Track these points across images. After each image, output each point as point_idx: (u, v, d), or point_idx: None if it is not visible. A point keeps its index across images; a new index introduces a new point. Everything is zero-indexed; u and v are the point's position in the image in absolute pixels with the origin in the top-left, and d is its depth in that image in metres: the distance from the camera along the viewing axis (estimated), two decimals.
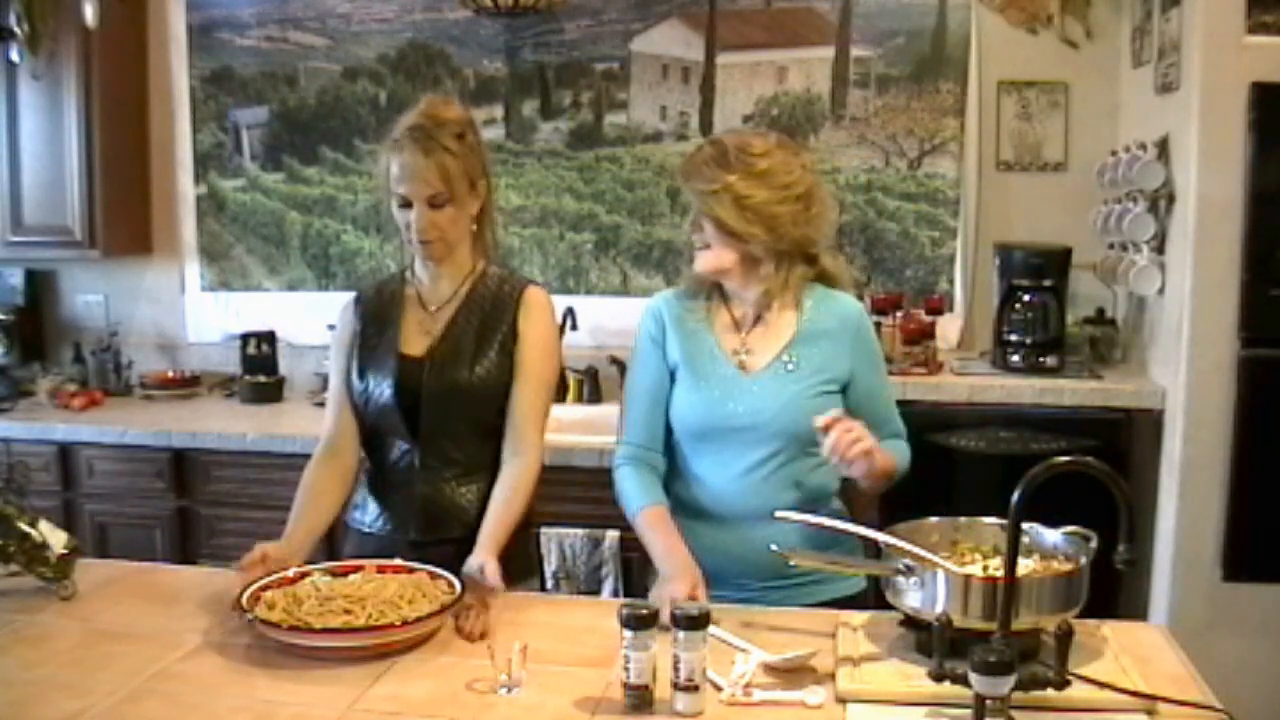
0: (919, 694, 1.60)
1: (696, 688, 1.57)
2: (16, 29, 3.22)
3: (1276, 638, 3.01)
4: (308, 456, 2.20)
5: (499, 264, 2.26)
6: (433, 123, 2.07)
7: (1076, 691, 1.57)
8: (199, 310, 4.27)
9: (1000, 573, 1.63)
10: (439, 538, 2.10)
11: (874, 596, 2.01)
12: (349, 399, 2.19)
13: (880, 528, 1.83)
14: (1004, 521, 1.63)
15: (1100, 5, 3.62)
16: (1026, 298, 3.41)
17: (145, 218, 4.21)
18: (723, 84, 3.83)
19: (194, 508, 3.53)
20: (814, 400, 2.07)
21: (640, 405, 2.17)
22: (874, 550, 1.89)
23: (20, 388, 3.93)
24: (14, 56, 3.38)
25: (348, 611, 1.77)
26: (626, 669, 1.58)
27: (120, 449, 3.55)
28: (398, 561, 1.97)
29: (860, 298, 2.38)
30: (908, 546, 1.72)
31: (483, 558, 1.93)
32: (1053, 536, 1.82)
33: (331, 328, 2.44)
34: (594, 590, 3.18)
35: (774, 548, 1.86)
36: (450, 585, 1.87)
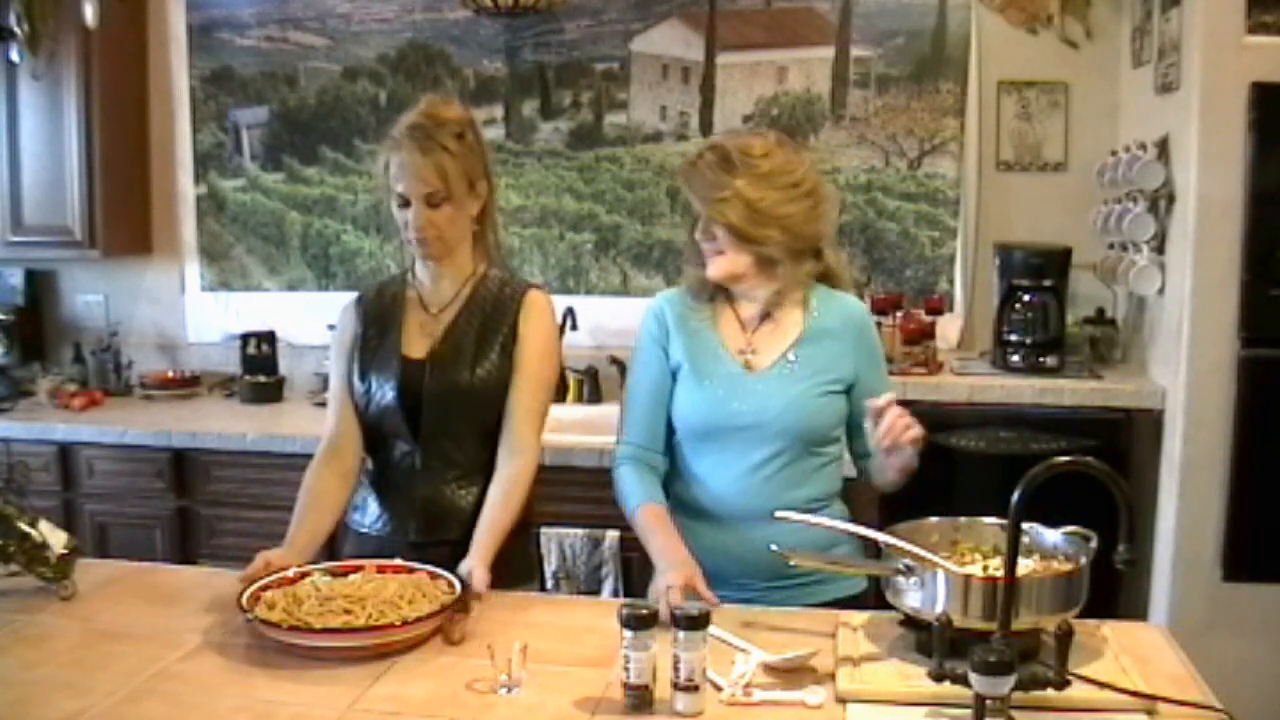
0: (919, 694, 1.60)
1: (696, 688, 1.57)
2: (16, 29, 3.22)
3: (1276, 638, 3.01)
4: (308, 456, 2.20)
5: (502, 267, 2.26)
6: (432, 122, 2.08)
7: (1076, 691, 1.57)
8: (199, 310, 4.27)
9: (1000, 573, 1.62)
10: (438, 539, 2.09)
11: (875, 597, 2.01)
12: (350, 400, 2.19)
13: (880, 528, 1.83)
14: (1004, 521, 1.63)
15: (1100, 5, 3.62)
16: (1026, 298, 3.41)
17: (145, 218, 4.22)
18: (723, 84, 3.83)
19: (194, 508, 3.53)
20: (818, 400, 2.07)
21: (641, 405, 2.17)
22: (874, 550, 1.89)
23: (20, 388, 3.93)
24: (14, 56, 3.38)
25: (348, 611, 1.77)
26: (626, 669, 1.58)
27: (120, 449, 3.55)
28: (398, 561, 1.97)
29: (860, 297, 2.38)
30: (908, 546, 1.72)
31: (472, 562, 1.94)
32: (1053, 536, 1.82)
33: (331, 328, 2.44)
34: (594, 590, 3.18)
35: (774, 548, 1.86)
36: (450, 585, 1.87)
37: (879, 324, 3.18)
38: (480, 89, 3.97)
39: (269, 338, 3.98)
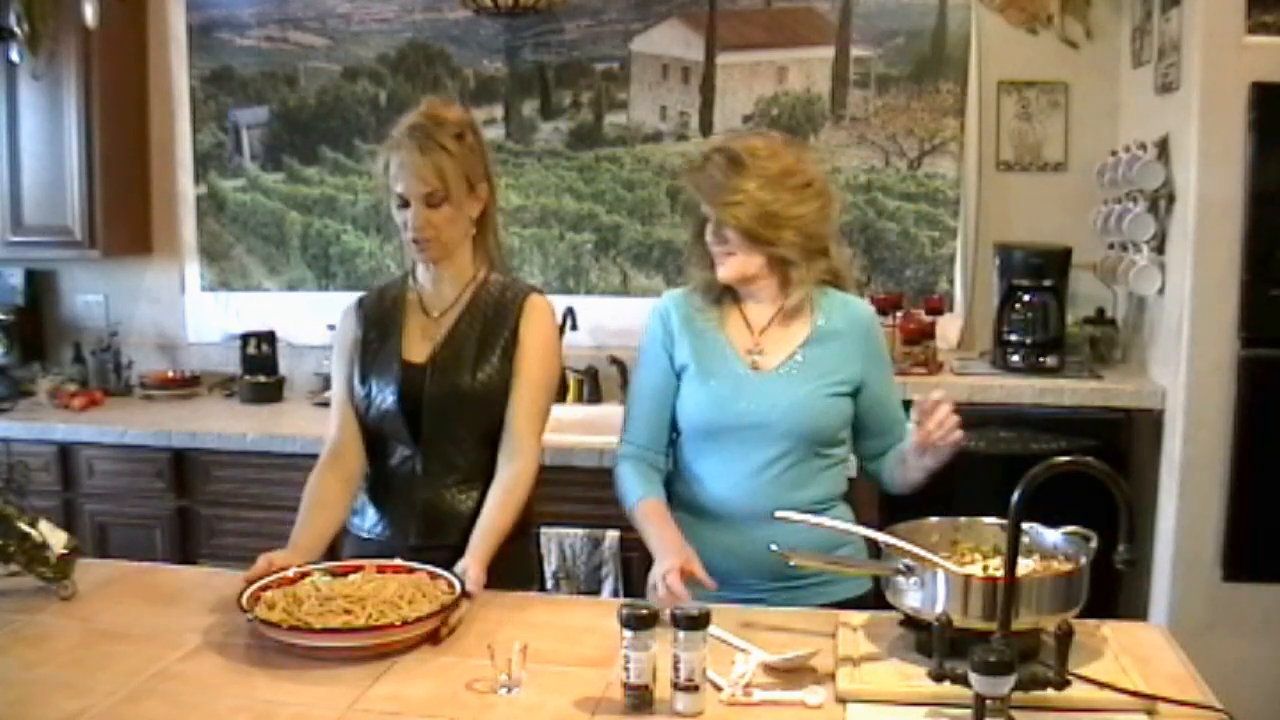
0: (919, 694, 1.60)
1: (696, 688, 1.57)
2: (16, 29, 3.22)
3: (1276, 638, 3.01)
4: (308, 456, 2.20)
5: (503, 271, 2.26)
6: (432, 122, 2.08)
7: (1076, 691, 1.57)
8: (199, 310, 4.27)
9: (1000, 573, 1.63)
10: (438, 543, 2.09)
11: (876, 597, 2.01)
12: (352, 405, 2.19)
13: (880, 528, 1.83)
14: (1004, 521, 1.63)
15: (1100, 5, 3.62)
16: (1026, 298, 3.41)
17: (145, 218, 4.22)
18: (723, 84, 3.83)
19: (194, 508, 3.53)
20: (825, 401, 2.07)
21: (643, 406, 2.18)
22: (876, 550, 1.89)
23: (20, 388, 3.93)
24: (14, 56, 3.38)
25: (348, 611, 1.77)
26: (626, 669, 1.58)
27: (120, 449, 3.55)
28: (398, 561, 1.97)
29: (859, 296, 2.38)
30: (908, 546, 1.72)
31: (468, 561, 1.94)
32: (1053, 536, 1.82)
33: (331, 328, 2.44)
34: (594, 590, 3.18)
35: (773, 548, 1.86)
36: (450, 585, 1.87)
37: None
38: (480, 89, 3.97)
39: (269, 338, 3.98)
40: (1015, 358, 3.40)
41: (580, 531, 3.19)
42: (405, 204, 2.08)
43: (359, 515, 2.22)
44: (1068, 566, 1.73)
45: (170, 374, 4.11)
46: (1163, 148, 3.16)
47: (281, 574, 1.91)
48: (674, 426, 2.17)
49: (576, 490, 3.10)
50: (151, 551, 3.46)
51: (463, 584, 1.87)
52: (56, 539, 1.99)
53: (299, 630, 1.73)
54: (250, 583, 1.88)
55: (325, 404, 2.26)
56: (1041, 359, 3.38)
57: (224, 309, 4.24)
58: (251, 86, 4.14)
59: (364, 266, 4.10)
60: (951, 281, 3.76)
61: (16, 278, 4.25)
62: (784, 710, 1.59)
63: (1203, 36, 2.91)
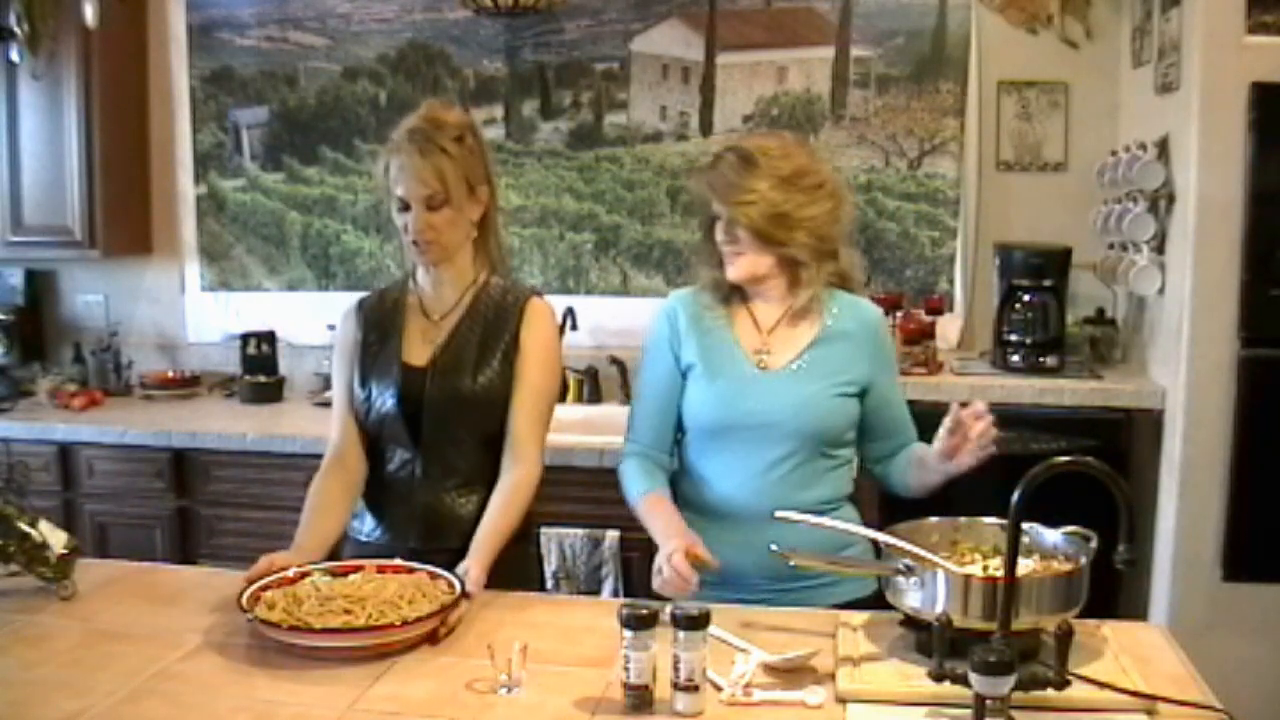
0: (919, 694, 1.60)
1: (696, 688, 1.57)
2: (16, 29, 3.22)
3: (1276, 638, 3.01)
4: (308, 456, 2.21)
5: (504, 274, 2.25)
6: (432, 125, 2.08)
7: (1076, 691, 1.57)
8: (199, 310, 4.27)
9: (1000, 573, 1.63)
10: (438, 547, 2.08)
11: (881, 598, 2.01)
12: (352, 408, 2.19)
13: (880, 528, 1.83)
14: (1004, 521, 1.63)
15: (1100, 5, 3.62)
16: (1026, 298, 3.41)
17: (145, 218, 4.22)
18: (723, 84, 3.83)
19: (194, 508, 3.53)
20: (832, 401, 2.07)
21: (648, 406, 2.17)
22: (878, 551, 1.89)
23: (20, 388, 3.93)
24: (14, 56, 3.38)
25: (348, 611, 1.77)
26: (626, 669, 1.58)
27: (120, 449, 3.55)
28: (398, 562, 1.97)
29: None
30: (908, 546, 1.72)
31: (469, 563, 1.94)
32: (1053, 536, 1.82)
33: (331, 328, 2.43)
34: (594, 590, 3.18)
35: (774, 548, 1.86)
36: (450, 585, 1.87)
37: None
38: (480, 89, 3.97)
39: (269, 338, 3.98)
40: (1015, 358, 3.40)
41: (580, 531, 3.19)
42: (406, 207, 2.08)
43: (359, 519, 2.22)
44: (1068, 566, 1.73)
45: (170, 374, 4.11)
46: (1163, 148, 3.16)
47: (281, 574, 1.91)
48: (679, 426, 2.17)
49: (576, 490, 3.10)
50: (151, 551, 3.46)
51: (463, 584, 1.88)
52: (56, 539, 1.99)
53: (299, 630, 1.73)
54: (250, 583, 1.87)
55: (325, 404, 2.26)
56: (1041, 359, 3.38)
57: (224, 309, 4.24)
58: (251, 86, 4.14)
59: (364, 266, 4.10)
60: (951, 281, 3.76)
61: (16, 278, 4.25)
62: (784, 710, 1.59)
63: (1203, 36, 2.91)
